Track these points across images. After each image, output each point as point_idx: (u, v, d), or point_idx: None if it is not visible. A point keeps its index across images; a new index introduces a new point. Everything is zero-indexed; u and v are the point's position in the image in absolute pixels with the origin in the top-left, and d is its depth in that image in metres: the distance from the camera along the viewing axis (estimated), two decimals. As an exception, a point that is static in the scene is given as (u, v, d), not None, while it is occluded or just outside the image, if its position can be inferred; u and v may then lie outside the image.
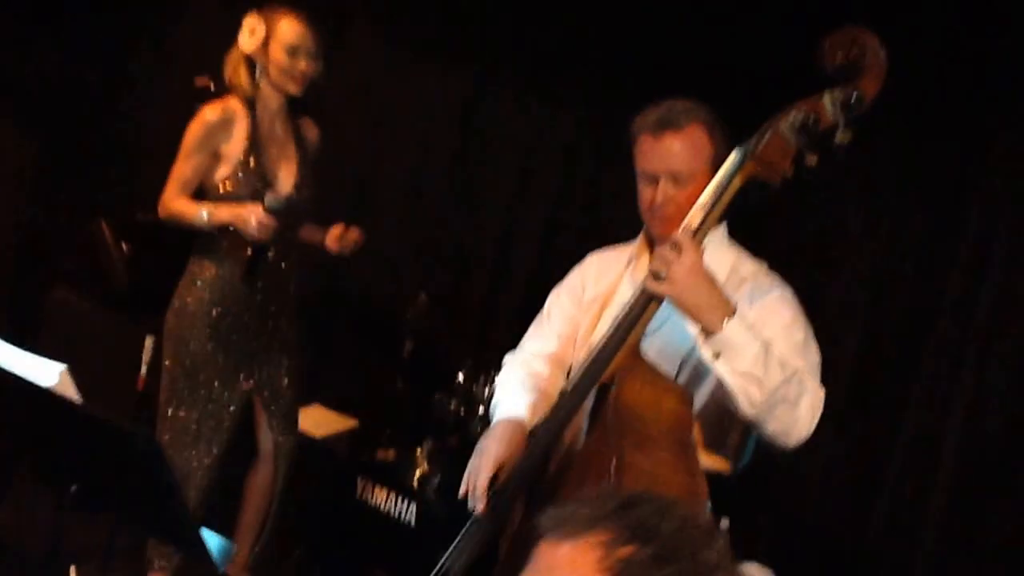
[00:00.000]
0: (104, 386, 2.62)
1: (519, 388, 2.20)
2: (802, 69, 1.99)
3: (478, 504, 1.97)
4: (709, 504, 1.90)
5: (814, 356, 2.03)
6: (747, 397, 1.85)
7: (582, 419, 1.97)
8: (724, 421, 2.05)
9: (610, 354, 1.90)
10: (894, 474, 3.26)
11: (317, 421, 4.00)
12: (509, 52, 4.26)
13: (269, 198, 2.95)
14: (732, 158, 1.95)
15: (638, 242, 2.28)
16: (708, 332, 1.84)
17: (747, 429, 2.07)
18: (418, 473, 3.49)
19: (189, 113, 3.14)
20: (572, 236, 4.20)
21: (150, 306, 3.48)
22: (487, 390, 3.49)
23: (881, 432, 3.27)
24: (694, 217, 1.94)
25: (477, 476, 1.98)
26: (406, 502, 3.42)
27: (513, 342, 4.08)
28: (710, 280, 1.86)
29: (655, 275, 1.84)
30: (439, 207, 4.40)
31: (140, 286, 3.71)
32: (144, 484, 1.70)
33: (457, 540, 2.03)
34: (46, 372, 1.71)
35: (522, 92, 4.28)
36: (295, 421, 3.41)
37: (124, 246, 3.67)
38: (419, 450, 3.56)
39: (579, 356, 2.27)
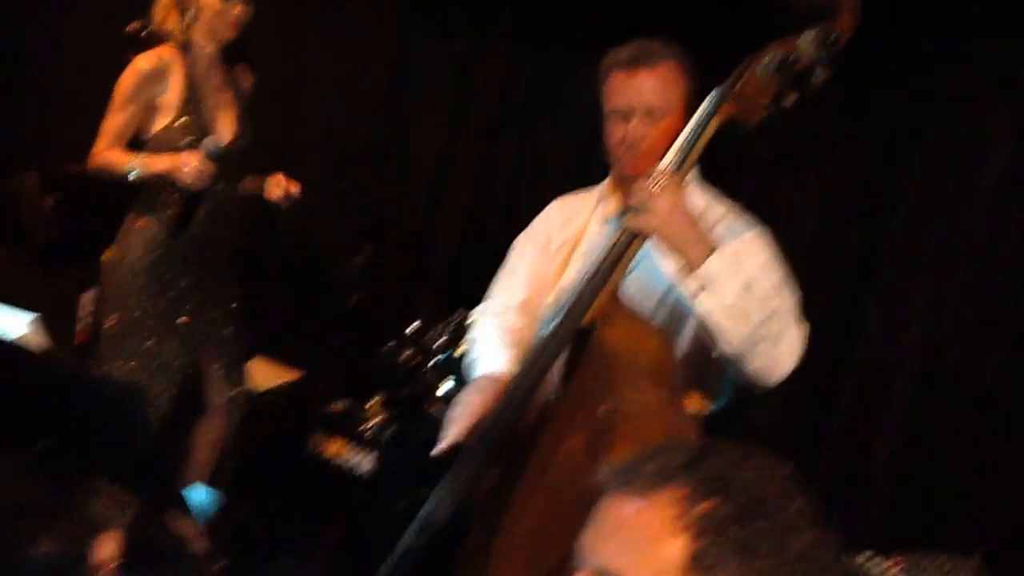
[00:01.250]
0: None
1: (498, 343, 2.17)
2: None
3: (442, 445, 1.94)
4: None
5: (792, 295, 2.04)
6: (730, 332, 1.83)
7: (555, 367, 1.94)
8: (703, 362, 2.04)
9: (590, 297, 1.88)
10: (845, 404, 3.36)
11: (259, 374, 3.93)
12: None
13: (208, 144, 2.86)
14: (710, 98, 1.93)
15: (606, 184, 2.26)
16: (690, 267, 1.83)
17: (723, 368, 2.07)
18: (371, 424, 3.45)
19: (110, 61, 3.02)
20: (504, 180, 4.20)
21: (76, 258, 3.37)
22: (437, 342, 3.46)
23: (831, 365, 3.34)
24: (672, 158, 1.92)
25: (457, 424, 1.95)
26: (360, 454, 3.39)
27: (451, 288, 4.09)
28: (692, 216, 1.85)
29: (637, 209, 1.82)
30: (370, 154, 4.34)
31: (65, 239, 3.59)
32: (122, 435, 1.63)
33: (437, 487, 1.99)
34: (13, 323, 1.63)
35: (449, 34, 4.23)
36: (242, 372, 3.34)
37: (51, 199, 3.53)
38: (371, 401, 3.52)
39: (547, 301, 2.25)
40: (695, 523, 0.91)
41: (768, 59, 1.90)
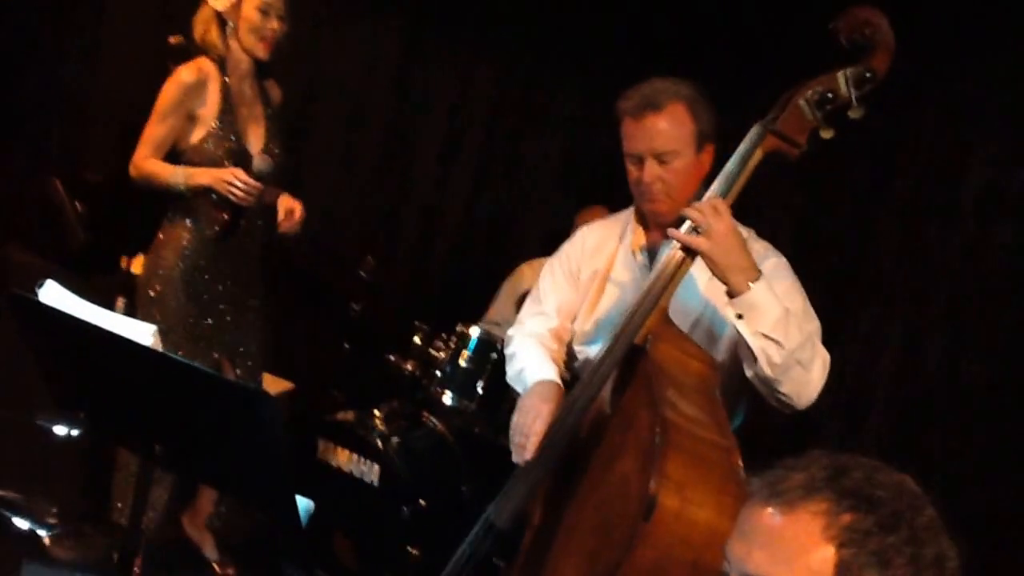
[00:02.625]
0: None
1: (542, 356, 2.28)
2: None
3: (528, 453, 2.03)
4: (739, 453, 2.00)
5: (815, 320, 2.15)
6: (767, 357, 1.96)
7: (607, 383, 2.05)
8: (735, 382, 2.15)
9: (643, 316, 1.99)
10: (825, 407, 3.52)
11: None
12: (436, 9, 4.27)
13: (257, 162, 2.93)
14: (752, 132, 2.05)
15: (631, 217, 2.36)
16: (734, 292, 1.95)
17: (749, 390, 2.18)
18: (379, 432, 3.52)
19: (131, 71, 3.07)
20: (495, 195, 4.30)
21: (105, 265, 3.40)
22: (442, 353, 3.54)
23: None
24: (718, 187, 2.04)
25: (531, 429, 2.05)
26: (368, 463, 3.45)
27: (447, 300, 4.16)
28: (742, 243, 1.97)
29: (695, 229, 1.93)
30: (373, 168, 4.42)
31: (94, 245, 3.63)
32: (252, 447, 1.70)
33: (500, 495, 2.09)
34: (139, 332, 1.71)
35: (451, 48, 4.33)
36: (260, 382, 3.40)
37: (80, 205, 3.57)
38: (377, 411, 3.58)
39: (585, 328, 2.36)
40: (840, 534, 1.01)
41: (807, 96, 2.03)
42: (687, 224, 1.99)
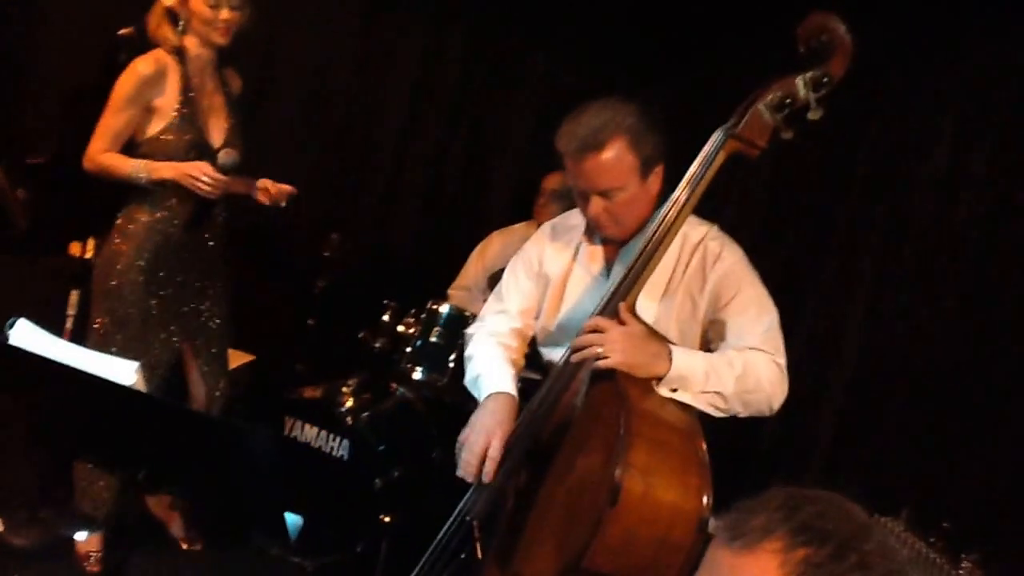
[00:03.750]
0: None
1: (501, 362, 2.34)
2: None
3: (488, 476, 2.11)
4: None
5: (768, 318, 2.22)
6: (715, 407, 2.10)
7: (579, 382, 2.13)
8: None
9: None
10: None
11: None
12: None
13: (223, 157, 2.93)
14: (715, 137, 2.11)
15: (583, 231, 2.41)
16: (660, 377, 2.04)
17: None
18: (347, 408, 3.57)
19: (72, 50, 3.02)
20: (461, 166, 4.31)
21: (51, 250, 3.38)
22: (412, 330, 3.58)
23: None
24: (681, 193, 2.10)
25: (482, 452, 2.13)
26: (338, 438, 3.50)
27: (414, 274, 4.19)
28: (641, 332, 2.06)
29: (597, 356, 2.01)
30: (333, 141, 4.40)
31: (38, 231, 3.58)
32: (241, 480, 1.74)
33: (464, 503, 2.19)
34: (122, 372, 1.72)
35: (414, 17, 4.30)
36: (226, 367, 3.43)
37: (23, 190, 3.51)
38: (346, 387, 3.63)
39: (548, 330, 2.43)
40: (796, 568, 1.12)
41: (767, 101, 2.09)
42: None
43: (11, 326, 1.88)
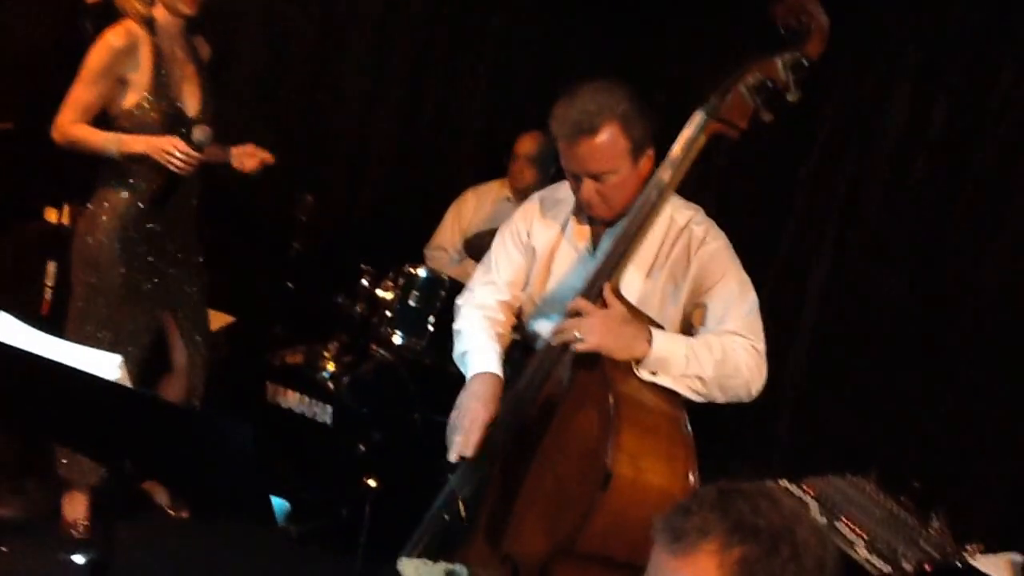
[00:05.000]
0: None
1: (487, 340, 2.37)
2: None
3: (468, 450, 2.17)
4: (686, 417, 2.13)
5: (749, 303, 2.25)
6: (695, 391, 2.13)
7: (563, 365, 2.17)
8: None
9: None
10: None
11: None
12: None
13: (197, 134, 2.91)
14: (696, 118, 2.13)
15: (572, 207, 2.42)
16: (640, 359, 2.07)
17: None
18: (329, 372, 3.60)
19: (32, 14, 2.97)
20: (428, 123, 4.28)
21: (22, 217, 3.36)
22: (390, 294, 3.59)
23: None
24: (664, 173, 2.13)
25: (468, 435, 2.17)
26: (321, 404, 3.54)
27: (386, 234, 4.19)
28: (620, 314, 2.08)
29: (575, 340, 2.03)
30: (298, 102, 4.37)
31: (6, 198, 3.56)
32: (224, 471, 1.77)
33: (451, 483, 2.25)
34: (105, 365, 1.72)
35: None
36: (207, 334, 3.45)
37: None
38: (326, 351, 3.66)
39: (534, 303, 2.46)
40: (733, 567, 1.19)
41: (748, 83, 2.11)
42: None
43: None
